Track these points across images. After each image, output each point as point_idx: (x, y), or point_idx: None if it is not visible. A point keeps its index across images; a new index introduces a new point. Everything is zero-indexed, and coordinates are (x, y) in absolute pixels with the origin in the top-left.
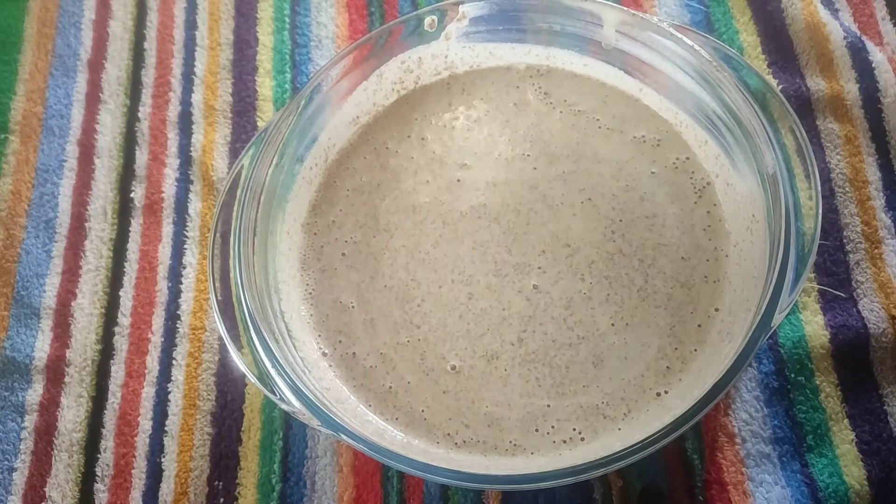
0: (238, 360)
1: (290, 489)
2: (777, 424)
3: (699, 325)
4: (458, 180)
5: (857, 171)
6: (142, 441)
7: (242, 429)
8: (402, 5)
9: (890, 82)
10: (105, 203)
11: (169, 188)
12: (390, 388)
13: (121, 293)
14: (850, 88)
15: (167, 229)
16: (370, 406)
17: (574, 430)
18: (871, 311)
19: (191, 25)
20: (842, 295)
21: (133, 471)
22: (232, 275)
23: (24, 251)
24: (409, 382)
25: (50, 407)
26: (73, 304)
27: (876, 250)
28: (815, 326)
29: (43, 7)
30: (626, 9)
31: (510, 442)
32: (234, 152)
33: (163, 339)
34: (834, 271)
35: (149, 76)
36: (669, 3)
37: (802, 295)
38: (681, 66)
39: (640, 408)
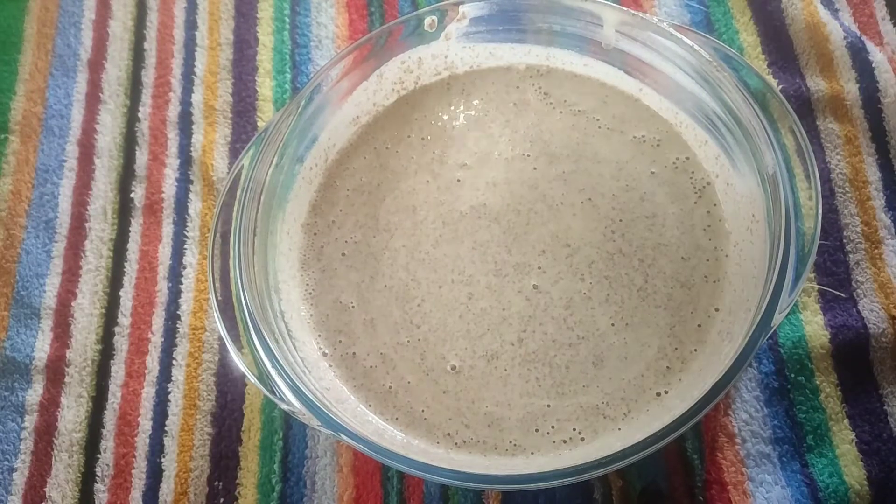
0: (238, 360)
1: (290, 489)
2: (777, 424)
3: (699, 325)
4: (458, 180)
5: (857, 171)
6: (142, 441)
7: (242, 429)
8: (402, 5)
9: (890, 82)
10: (105, 203)
11: (169, 188)
12: (390, 388)
13: (121, 293)
14: (850, 88)
15: (167, 229)
16: (370, 406)
17: (574, 430)
18: (871, 311)
19: (191, 25)
20: (842, 295)
21: (133, 471)
22: (232, 275)
23: (24, 251)
24: (409, 382)
25: (50, 407)
26: (73, 304)
27: (876, 250)
28: (815, 326)
29: (43, 7)
30: (626, 9)
31: (510, 442)
32: (234, 152)
33: (163, 339)
34: (834, 271)
35: (149, 76)
36: (669, 3)
37: (802, 295)
38: (681, 66)
39: (640, 408)
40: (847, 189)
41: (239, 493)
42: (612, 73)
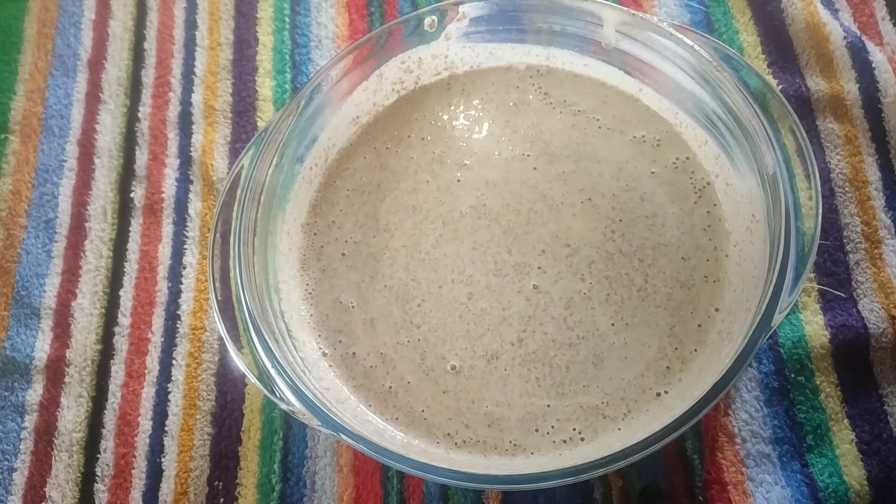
0: (238, 360)
1: (290, 489)
2: (777, 424)
3: (699, 325)
4: (458, 180)
5: (857, 171)
6: (142, 441)
7: (242, 429)
8: (402, 5)
9: (890, 82)
10: (105, 203)
11: (169, 188)
12: (390, 388)
13: (121, 293)
14: (850, 88)
15: (167, 229)
16: (370, 406)
17: (574, 430)
18: (871, 311)
19: (191, 25)
20: (842, 295)
21: (133, 471)
22: (232, 275)
23: (24, 251)
24: (409, 382)
25: (50, 407)
26: (73, 304)
27: (876, 250)
28: (815, 326)
29: (43, 7)
30: (626, 9)
31: (510, 442)
32: (234, 152)
33: (163, 339)
34: (834, 271)
35: (149, 76)
36: (669, 3)
37: (802, 295)
38: (681, 66)
39: (640, 408)
40: (847, 189)
41: (239, 493)
42: (612, 73)
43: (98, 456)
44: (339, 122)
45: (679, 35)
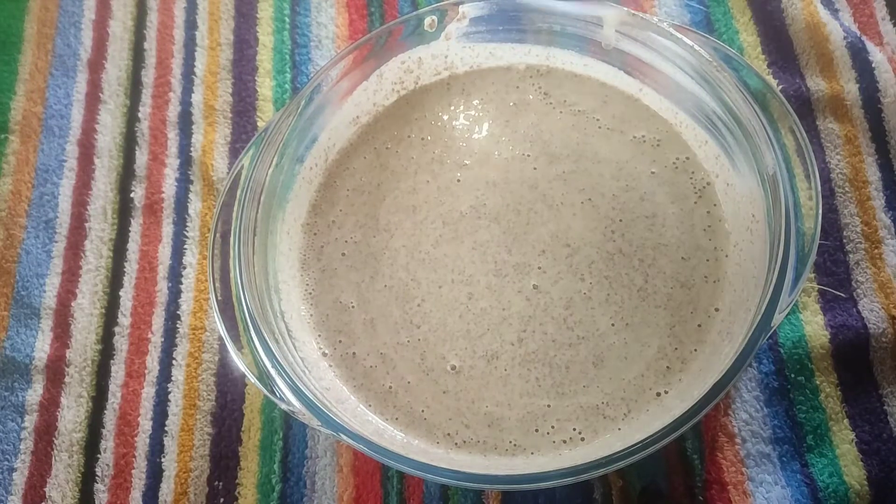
0: (238, 360)
1: (290, 489)
2: (777, 424)
3: (699, 325)
4: (458, 180)
5: (857, 171)
6: (142, 441)
7: (242, 429)
8: (402, 5)
9: (890, 82)
10: (105, 203)
11: (169, 188)
12: (390, 388)
13: (121, 293)
14: (850, 88)
15: (167, 229)
16: (370, 406)
17: (574, 430)
18: (871, 311)
19: (191, 25)
20: (842, 295)
21: (133, 471)
22: (232, 275)
23: (24, 251)
24: (409, 382)
25: (50, 407)
26: (73, 304)
27: (876, 250)
28: (815, 326)
29: (43, 7)
30: (626, 9)
31: (510, 442)
32: (234, 152)
33: (163, 339)
34: (834, 271)
35: (149, 76)
36: (669, 3)
37: (802, 295)
38: (681, 66)
39: (640, 408)
40: (847, 189)
41: (239, 493)
42: (612, 73)
43: (98, 456)
44: (339, 122)
45: (679, 35)
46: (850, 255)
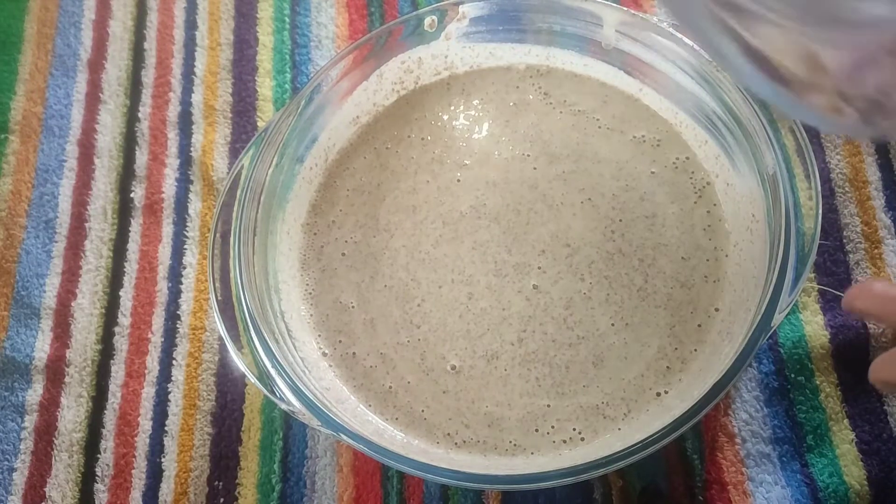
0: (238, 360)
1: (290, 489)
2: (777, 424)
3: (699, 325)
4: (458, 180)
5: (857, 171)
6: (142, 441)
7: (242, 429)
8: (402, 5)
9: None
10: (105, 203)
11: (169, 188)
12: (390, 388)
13: (121, 293)
14: None
15: (167, 229)
16: (370, 406)
17: (574, 430)
18: None
19: (191, 25)
20: (842, 295)
21: (133, 471)
22: (232, 275)
23: (24, 251)
24: (409, 382)
25: (50, 407)
26: (73, 304)
27: (876, 250)
28: (815, 326)
29: (43, 7)
30: (626, 9)
31: (510, 442)
32: (234, 152)
33: (163, 339)
34: (834, 271)
35: (149, 76)
36: None
37: (802, 295)
38: (681, 66)
39: (640, 408)
40: (847, 189)
41: (239, 493)
42: (612, 73)
43: (98, 456)
44: (339, 122)
45: (679, 35)
46: (850, 255)
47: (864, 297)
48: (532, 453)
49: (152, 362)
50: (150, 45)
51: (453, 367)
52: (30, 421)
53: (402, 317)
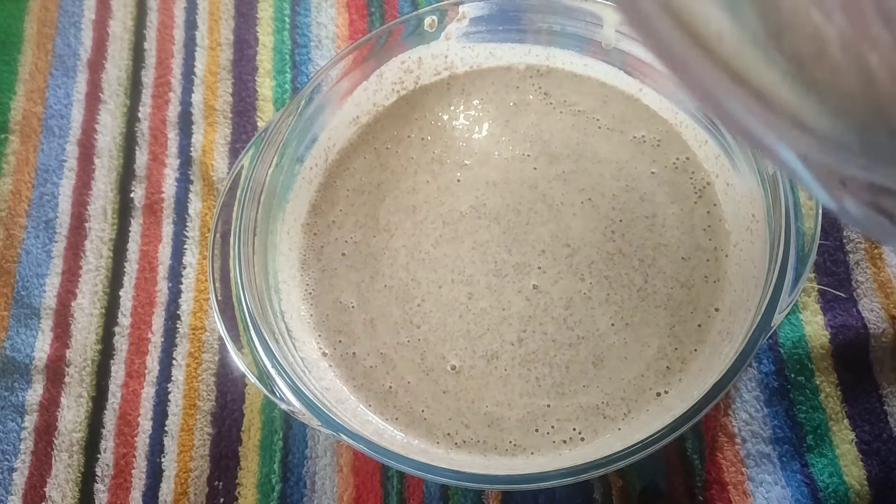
0: (238, 360)
1: (290, 489)
2: (777, 424)
3: (699, 325)
4: (458, 180)
5: None
6: (142, 441)
7: (242, 429)
8: (402, 5)
9: None
10: (105, 203)
11: (169, 188)
12: (390, 388)
13: (121, 293)
14: None
15: (167, 229)
16: (370, 406)
17: (574, 430)
18: (871, 311)
19: (191, 25)
20: (842, 295)
21: (133, 471)
22: (232, 275)
23: (24, 251)
24: (409, 382)
25: (50, 407)
26: (73, 304)
27: (876, 250)
28: (815, 326)
29: (43, 7)
30: None
31: (510, 442)
32: (234, 152)
33: (163, 339)
34: (834, 271)
35: (149, 76)
36: None
37: (802, 295)
38: None
39: (640, 408)
40: None
41: (239, 493)
42: (612, 73)
43: (98, 456)
44: (339, 122)
45: None
46: (850, 255)
47: None
48: (532, 453)
49: (152, 362)
50: (150, 45)
51: (453, 367)
52: (30, 421)
53: (402, 317)
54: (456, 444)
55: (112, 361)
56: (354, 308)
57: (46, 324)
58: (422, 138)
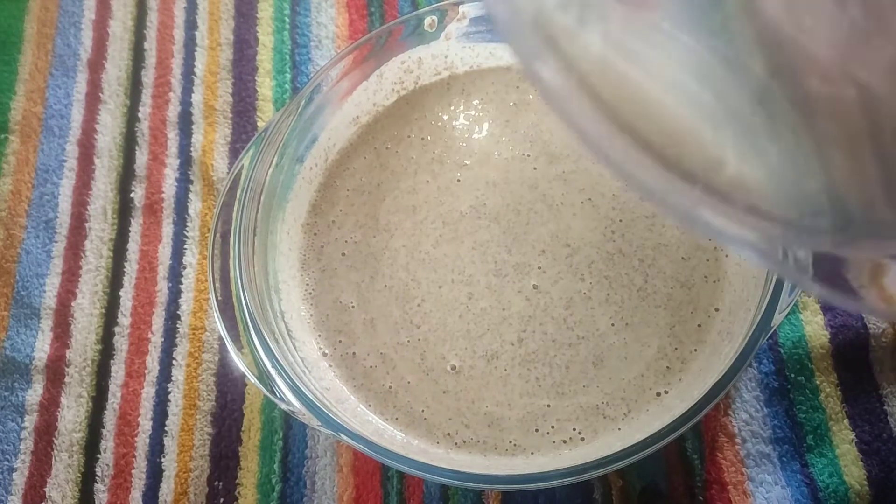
0: (238, 360)
1: (290, 489)
2: (777, 424)
3: (699, 325)
4: (458, 180)
5: None
6: (142, 441)
7: (242, 429)
8: (402, 5)
9: None
10: (105, 203)
11: (169, 188)
12: (390, 388)
13: (121, 293)
14: None
15: (167, 229)
16: (370, 406)
17: (574, 430)
18: None
19: (191, 25)
20: None
21: (133, 471)
22: (232, 275)
23: (24, 251)
24: (409, 382)
25: (50, 407)
26: (73, 304)
27: None
28: (815, 326)
29: (43, 7)
30: None
31: (510, 442)
32: (234, 152)
33: (163, 339)
34: None
35: (149, 76)
36: None
37: (802, 295)
38: None
39: (640, 408)
40: None
41: (239, 493)
42: None
43: (98, 456)
44: (339, 122)
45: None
46: None
47: None
48: (532, 453)
49: (152, 362)
50: (150, 45)
51: (453, 367)
52: (30, 421)
53: (402, 317)
54: (456, 444)
55: (112, 361)
56: (354, 308)
57: (46, 324)
58: (422, 138)
